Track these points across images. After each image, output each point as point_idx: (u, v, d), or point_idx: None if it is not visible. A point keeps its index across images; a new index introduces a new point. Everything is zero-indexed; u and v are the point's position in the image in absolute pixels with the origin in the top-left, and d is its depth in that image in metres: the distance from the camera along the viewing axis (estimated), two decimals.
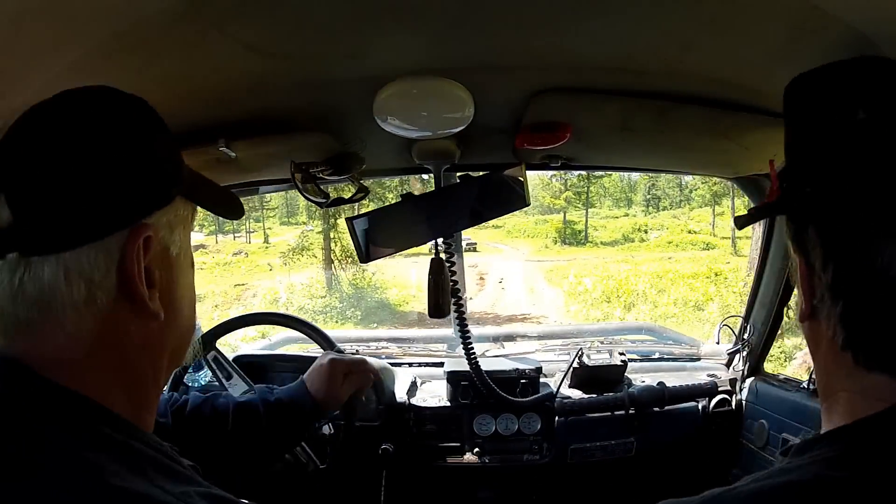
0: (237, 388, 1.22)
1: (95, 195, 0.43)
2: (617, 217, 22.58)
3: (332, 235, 13.21)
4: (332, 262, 13.06)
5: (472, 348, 1.22)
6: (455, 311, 1.16)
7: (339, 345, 1.29)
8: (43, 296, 0.42)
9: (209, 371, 1.36)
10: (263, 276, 14.69)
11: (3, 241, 0.42)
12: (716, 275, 12.23)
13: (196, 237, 18.14)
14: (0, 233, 0.41)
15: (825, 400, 0.47)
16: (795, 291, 0.51)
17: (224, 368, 1.25)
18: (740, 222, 0.56)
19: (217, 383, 1.25)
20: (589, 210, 21.98)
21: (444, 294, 1.07)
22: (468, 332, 1.20)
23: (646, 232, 20.61)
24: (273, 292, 12.36)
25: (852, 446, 0.41)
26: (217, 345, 1.27)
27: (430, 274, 1.06)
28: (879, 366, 0.42)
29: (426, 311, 1.08)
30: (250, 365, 1.37)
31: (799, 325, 0.49)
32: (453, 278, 1.09)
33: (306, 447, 1.15)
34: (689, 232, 19.33)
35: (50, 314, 0.42)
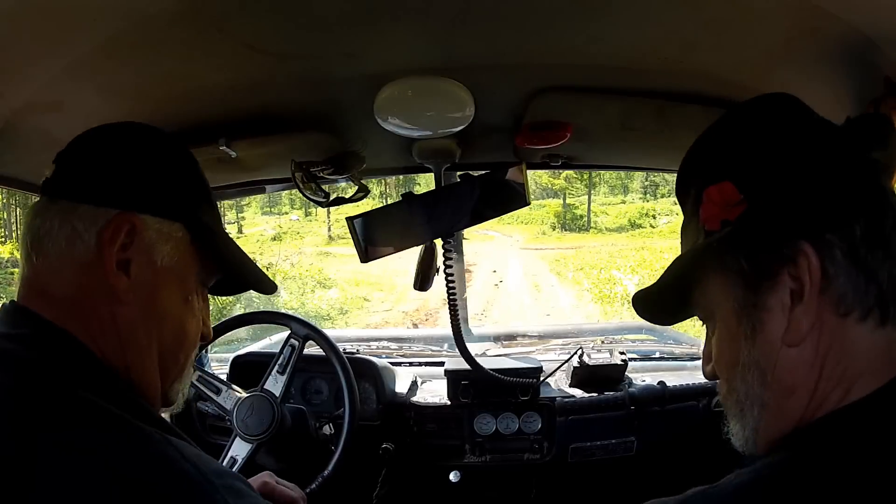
0: (229, 400, 1.17)
1: (105, 176, 0.55)
2: (614, 204, 21.83)
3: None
4: None
5: (462, 336, 1.24)
6: (449, 304, 1.17)
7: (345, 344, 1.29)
8: (43, 227, 0.53)
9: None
10: None
11: (43, 186, 0.56)
12: None
13: None
14: (44, 181, 0.56)
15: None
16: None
17: (210, 384, 1.19)
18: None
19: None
20: (584, 198, 21.06)
21: (429, 272, 1.08)
22: (458, 321, 1.21)
23: (654, 217, 19.72)
24: None
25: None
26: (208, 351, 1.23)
27: (421, 254, 1.08)
28: None
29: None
30: (250, 364, 1.37)
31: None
32: (449, 271, 1.10)
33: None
34: None
35: (42, 245, 0.53)
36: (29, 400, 0.45)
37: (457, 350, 1.71)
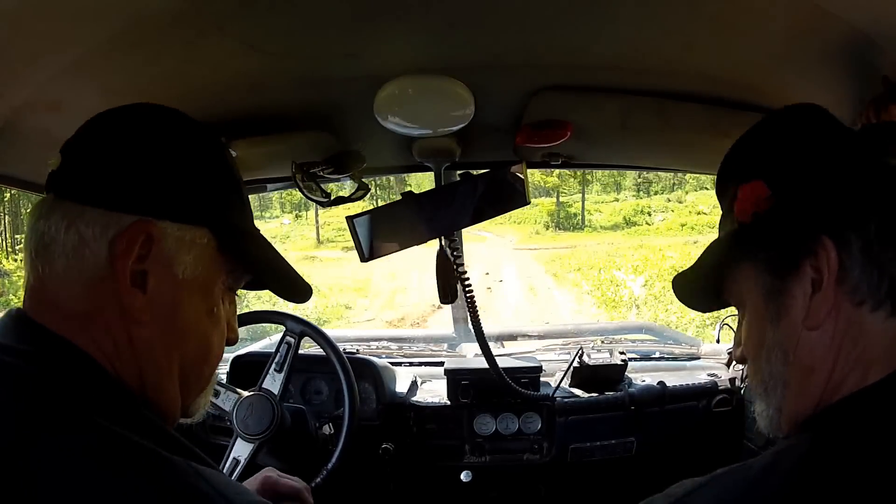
0: (228, 401, 1.16)
1: (118, 174, 0.48)
2: (607, 202, 21.47)
3: None
4: None
5: (483, 334, 1.21)
6: (467, 302, 1.15)
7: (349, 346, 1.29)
8: (48, 233, 0.47)
9: None
10: None
11: (49, 180, 0.50)
12: None
13: None
14: (50, 174, 0.50)
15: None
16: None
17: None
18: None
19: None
20: (576, 196, 20.72)
21: (451, 281, 1.07)
22: (479, 320, 1.19)
23: (649, 215, 19.44)
24: None
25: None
26: None
27: (437, 265, 1.06)
28: None
29: None
30: (250, 365, 1.37)
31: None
32: (461, 269, 1.08)
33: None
34: (699, 213, 17.94)
35: (47, 253, 0.47)
36: (39, 428, 0.40)
37: (457, 350, 1.72)
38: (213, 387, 0.59)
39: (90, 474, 0.39)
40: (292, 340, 1.23)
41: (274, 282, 0.61)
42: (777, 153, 0.54)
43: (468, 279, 1.11)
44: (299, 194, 1.03)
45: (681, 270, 0.64)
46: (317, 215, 18.43)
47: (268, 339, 1.76)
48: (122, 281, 0.47)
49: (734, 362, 1.50)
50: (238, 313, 1.34)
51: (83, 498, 0.39)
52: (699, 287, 0.63)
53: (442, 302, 1.07)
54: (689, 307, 0.68)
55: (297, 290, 0.63)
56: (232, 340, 0.59)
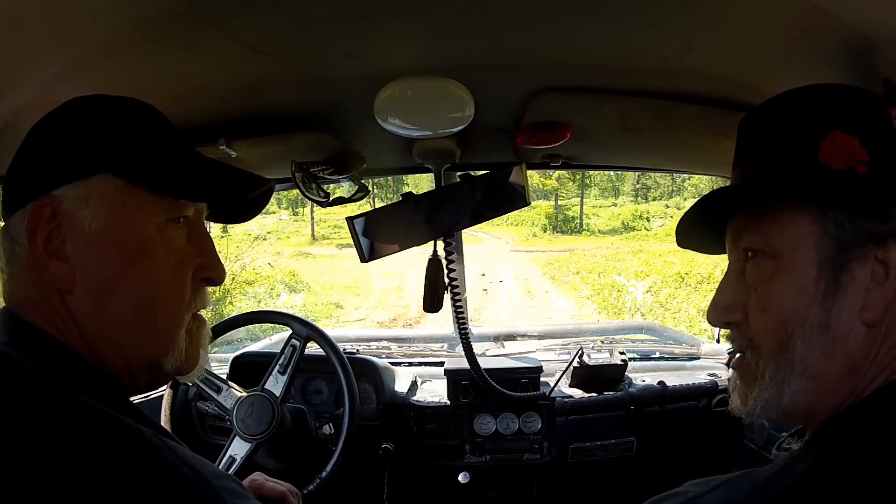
0: (230, 399, 1.17)
1: (16, 176, 0.53)
2: (605, 206, 21.60)
3: None
4: None
5: (470, 343, 1.22)
6: (454, 309, 1.16)
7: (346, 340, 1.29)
8: (1, 250, 0.54)
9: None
10: None
11: None
12: None
13: None
14: None
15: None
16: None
17: (211, 383, 1.18)
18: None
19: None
20: (574, 200, 20.85)
21: (439, 291, 1.06)
22: (466, 327, 1.20)
23: (648, 220, 19.48)
24: None
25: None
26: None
27: (427, 272, 1.06)
28: None
29: None
30: (250, 365, 1.37)
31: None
32: (452, 275, 1.08)
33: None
34: None
35: (3, 265, 0.54)
36: (20, 405, 0.44)
37: (456, 350, 1.72)
38: (203, 335, 0.58)
39: (65, 446, 0.43)
40: (298, 343, 1.23)
41: (215, 195, 0.58)
42: (881, 128, 0.48)
43: (458, 288, 1.11)
44: (296, 191, 1.03)
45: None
46: (312, 212, 18.52)
47: (267, 340, 1.76)
48: (39, 258, 0.50)
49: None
50: (241, 313, 1.35)
51: (58, 471, 0.42)
52: (708, 215, 0.53)
53: (426, 310, 1.05)
54: (683, 232, 0.58)
55: (255, 202, 0.63)
56: (213, 278, 0.57)
